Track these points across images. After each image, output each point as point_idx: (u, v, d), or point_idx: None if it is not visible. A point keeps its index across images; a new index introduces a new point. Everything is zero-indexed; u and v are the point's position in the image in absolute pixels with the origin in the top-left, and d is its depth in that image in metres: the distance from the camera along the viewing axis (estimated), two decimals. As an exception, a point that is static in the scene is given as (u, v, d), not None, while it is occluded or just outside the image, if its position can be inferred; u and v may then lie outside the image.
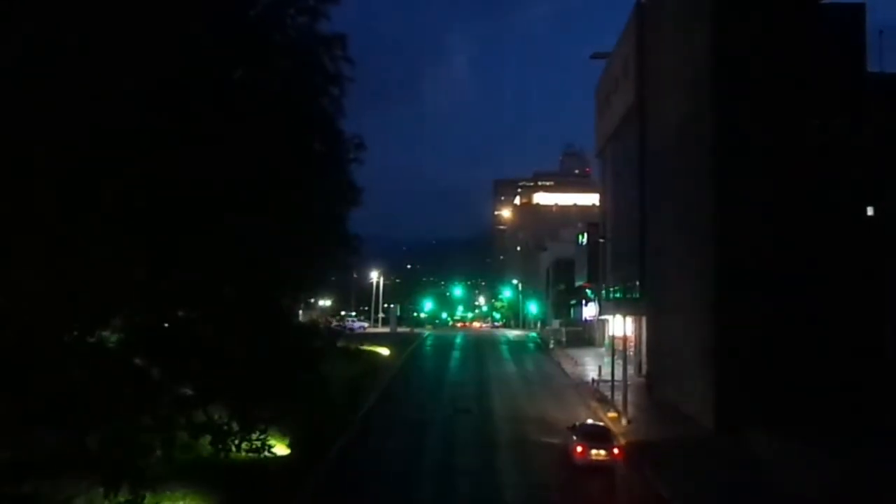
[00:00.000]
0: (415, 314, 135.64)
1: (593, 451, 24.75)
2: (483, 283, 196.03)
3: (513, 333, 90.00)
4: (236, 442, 16.25)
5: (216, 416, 15.92)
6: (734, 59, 29.98)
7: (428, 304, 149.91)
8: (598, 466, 24.65)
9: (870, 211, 29.59)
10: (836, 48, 29.61)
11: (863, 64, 29.74)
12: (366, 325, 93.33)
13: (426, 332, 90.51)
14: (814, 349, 27.98)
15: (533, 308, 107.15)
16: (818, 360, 27.82)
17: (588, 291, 68.51)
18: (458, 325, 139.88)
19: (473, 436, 29.96)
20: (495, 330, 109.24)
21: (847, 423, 25.82)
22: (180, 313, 16.02)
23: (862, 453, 22.95)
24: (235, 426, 16.11)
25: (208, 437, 16.30)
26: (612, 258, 54.83)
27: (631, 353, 43.09)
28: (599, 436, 25.94)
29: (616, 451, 25.10)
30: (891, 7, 67.68)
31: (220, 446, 15.84)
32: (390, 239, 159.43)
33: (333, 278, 29.42)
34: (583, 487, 23.72)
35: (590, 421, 28.91)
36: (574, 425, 27.26)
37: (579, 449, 24.99)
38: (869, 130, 29.08)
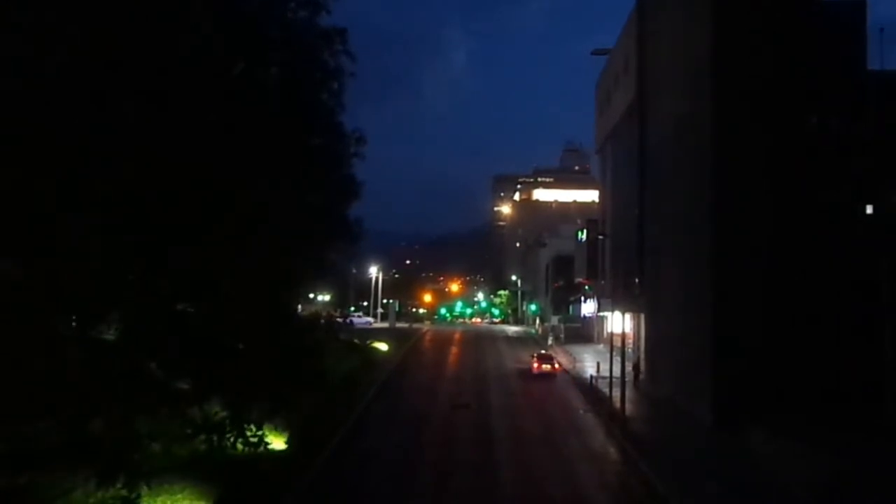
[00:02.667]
0: (413, 310, 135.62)
1: (543, 367, 44.85)
2: (482, 279, 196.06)
3: (511, 330, 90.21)
4: (233, 438, 16.22)
5: (214, 412, 15.89)
6: (734, 56, 29.90)
7: (427, 300, 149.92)
8: (545, 374, 44.28)
9: (869, 209, 29.56)
10: (836, 45, 29.53)
11: (863, 61, 29.64)
12: (371, 320, 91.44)
13: (425, 327, 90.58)
14: (812, 346, 27.97)
15: (532, 304, 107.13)
16: (817, 357, 27.81)
17: (587, 287, 68.54)
18: (459, 320, 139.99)
19: (473, 433, 29.95)
20: (494, 326, 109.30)
21: (845, 419, 25.81)
22: (179, 307, 16.01)
23: (860, 450, 22.97)
24: (232, 421, 16.08)
25: (207, 442, 16.27)
26: (612, 254, 54.82)
27: (630, 350, 43.08)
28: (547, 358, 46.58)
29: (557, 366, 45.82)
30: (892, 4, 67.59)
31: (216, 437, 15.82)
32: (389, 234, 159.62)
33: (333, 275, 29.38)
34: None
35: (542, 351, 51.15)
36: (533, 354, 48.28)
37: (535, 365, 45.32)
38: (869, 128, 29.03)
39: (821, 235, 28.50)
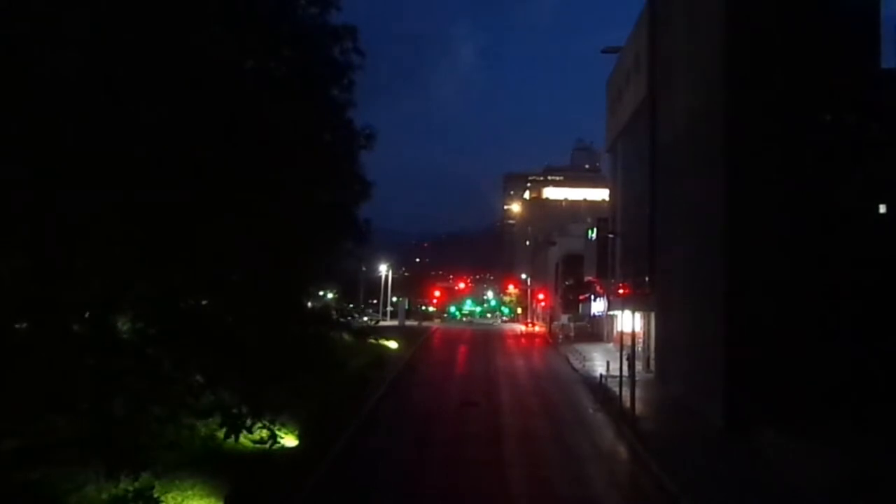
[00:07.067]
0: (422, 308, 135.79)
1: (530, 326, 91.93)
2: (491, 277, 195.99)
3: (522, 327, 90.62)
4: (247, 425, 16.26)
5: (226, 402, 15.95)
6: (746, 54, 29.68)
7: (437, 298, 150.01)
8: (532, 333, 79.59)
9: (882, 208, 29.31)
10: (849, 43, 29.26)
11: (877, 59, 29.41)
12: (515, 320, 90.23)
13: (434, 325, 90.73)
14: (825, 347, 27.75)
15: (542, 303, 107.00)
16: (831, 357, 27.59)
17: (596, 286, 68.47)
18: (466, 318, 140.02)
19: (483, 430, 29.93)
20: (504, 324, 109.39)
21: (861, 421, 25.59)
22: (191, 301, 16.08)
23: (875, 453, 22.78)
24: (245, 410, 16.13)
25: (219, 428, 16.34)
26: (622, 253, 54.66)
27: (640, 349, 42.95)
28: (530, 323, 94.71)
29: (539, 327, 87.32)
30: (906, 2, 66.78)
31: (228, 423, 15.84)
32: (399, 232, 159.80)
33: (342, 271, 29.35)
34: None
35: (527, 320, 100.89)
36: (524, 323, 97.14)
37: (524, 327, 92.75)
38: (883, 127, 28.78)
39: (834, 235, 28.27)
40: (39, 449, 13.52)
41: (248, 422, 16.19)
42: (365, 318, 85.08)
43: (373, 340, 25.99)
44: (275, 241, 16.16)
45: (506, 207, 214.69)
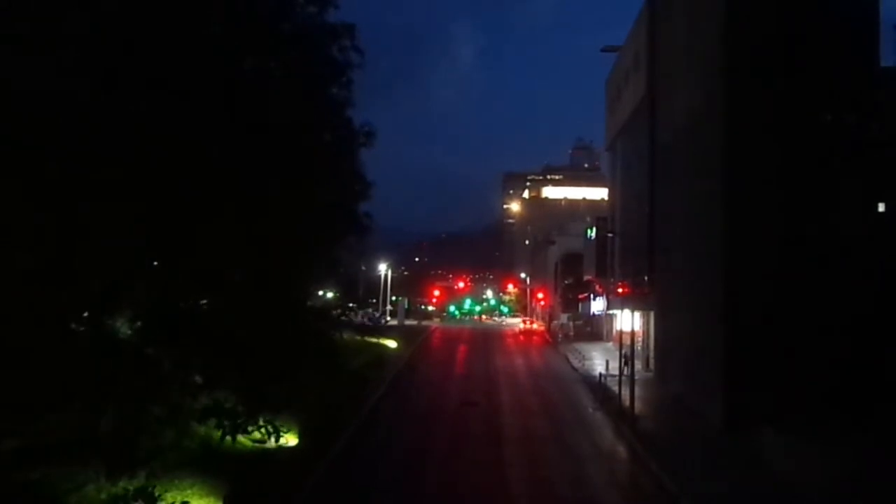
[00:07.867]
0: (422, 307, 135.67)
1: (527, 324, 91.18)
2: (491, 277, 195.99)
3: (522, 326, 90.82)
4: (247, 426, 16.26)
5: (224, 402, 15.95)
6: (746, 53, 29.65)
7: (436, 297, 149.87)
8: (530, 331, 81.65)
9: (881, 207, 29.32)
10: (849, 43, 29.26)
11: (876, 58, 29.40)
12: None
13: (434, 324, 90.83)
14: (825, 346, 27.73)
15: (541, 302, 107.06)
16: (830, 357, 27.58)
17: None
18: (476, 318, 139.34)
19: (483, 430, 29.94)
20: (503, 323, 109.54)
21: (860, 421, 25.60)
22: (191, 300, 16.08)
23: (875, 453, 22.78)
24: (242, 411, 16.13)
25: (219, 427, 16.35)
26: (621, 252, 54.66)
27: (639, 349, 42.97)
28: (528, 321, 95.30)
29: (536, 325, 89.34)
30: (906, 1, 66.70)
31: (226, 424, 15.84)
32: (398, 231, 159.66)
33: (342, 270, 29.37)
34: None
35: (525, 318, 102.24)
36: (522, 320, 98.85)
37: (521, 326, 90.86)
38: (881, 126, 28.78)
39: (833, 234, 28.26)
40: (39, 449, 13.52)
41: (246, 424, 16.18)
42: (387, 319, 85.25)
43: (372, 339, 26.08)
44: (275, 240, 16.17)
45: (505, 207, 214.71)
